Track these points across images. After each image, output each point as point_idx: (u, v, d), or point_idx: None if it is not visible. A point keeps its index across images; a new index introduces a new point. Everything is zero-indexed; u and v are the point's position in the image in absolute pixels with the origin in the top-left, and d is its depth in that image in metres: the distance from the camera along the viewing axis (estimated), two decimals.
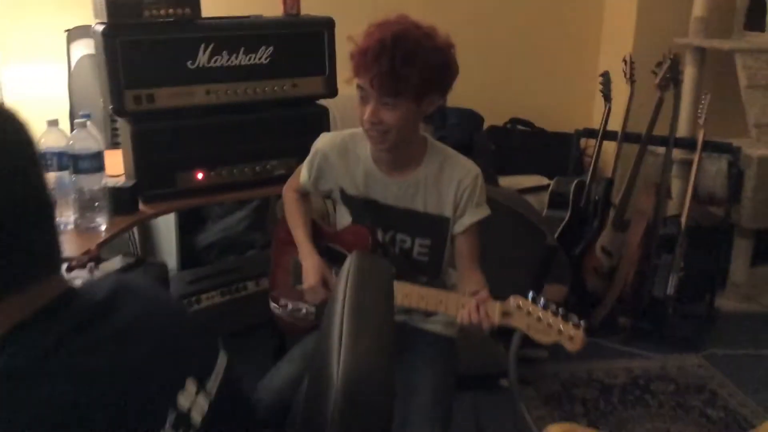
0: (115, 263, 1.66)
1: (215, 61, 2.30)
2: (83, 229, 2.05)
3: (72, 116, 3.36)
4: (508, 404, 2.11)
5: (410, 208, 1.69)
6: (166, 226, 3.49)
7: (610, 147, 3.31)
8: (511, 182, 3.50)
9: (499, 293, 1.99)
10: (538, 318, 1.37)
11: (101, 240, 2.05)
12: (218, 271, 3.01)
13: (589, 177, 3.18)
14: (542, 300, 1.39)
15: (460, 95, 3.77)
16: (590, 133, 3.44)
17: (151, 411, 0.81)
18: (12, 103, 3.16)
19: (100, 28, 2.17)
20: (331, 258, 1.77)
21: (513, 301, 1.42)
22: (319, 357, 1.03)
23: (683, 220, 2.95)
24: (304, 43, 2.42)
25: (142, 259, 1.69)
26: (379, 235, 1.73)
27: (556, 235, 3.04)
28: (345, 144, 1.72)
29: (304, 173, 1.79)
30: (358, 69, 1.53)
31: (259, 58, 2.37)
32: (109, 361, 0.80)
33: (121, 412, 0.78)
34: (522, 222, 1.88)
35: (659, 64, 3.10)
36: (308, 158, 1.79)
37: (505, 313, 1.43)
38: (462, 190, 1.64)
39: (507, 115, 3.83)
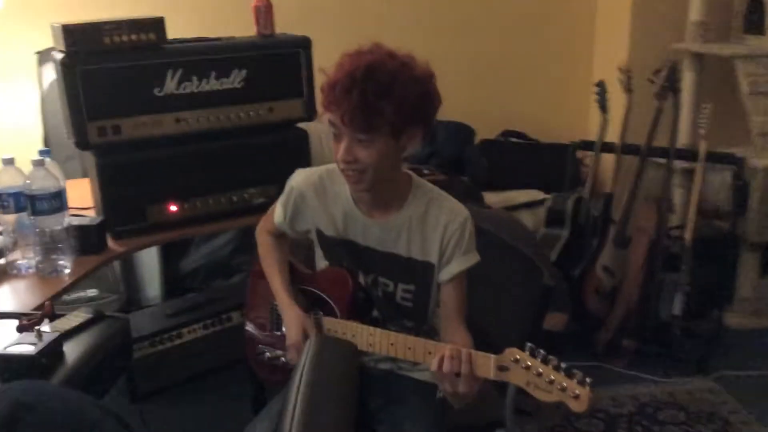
0: (73, 319, 1.51)
1: (184, 88, 2.17)
2: (46, 272, 1.91)
3: (46, 141, 3.23)
4: None
5: (392, 252, 1.55)
6: (149, 255, 3.35)
7: (608, 159, 3.17)
8: (505, 198, 3.35)
9: (491, 337, 1.85)
10: (539, 373, 1.22)
11: (65, 285, 1.92)
12: (201, 302, 2.86)
13: (587, 192, 3.04)
14: (541, 352, 1.24)
15: (449, 108, 3.59)
16: (586, 145, 3.29)
17: None
18: None
19: (59, 56, 2.03)
20: (306, 301, 1.63)
21: (509, 353, 1.27)
22: None
23: (688, 236, 2.80)
24: (280, 65, 2.29)
25: (102, 314, 1.53)
26: (361, 277, 1.59)
27: (555, 255, 2.90)
28: (322, 181, 1.59)
29: (278, 213, 1.66)
30: (328, 104, 1.39)
31: (232, 83, 2.23)
32: None
33: None
34: (517, 257, 1.73)
35: (657, 72, 2.96)
36: (282, 197, 1.65)
37: (501, 368, 1.28)
38: (449, 236, 1.50)
39: (499, 128, 3.68)
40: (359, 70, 1.34)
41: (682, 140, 3.32)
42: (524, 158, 3.58)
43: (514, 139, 3.70)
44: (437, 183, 3.20)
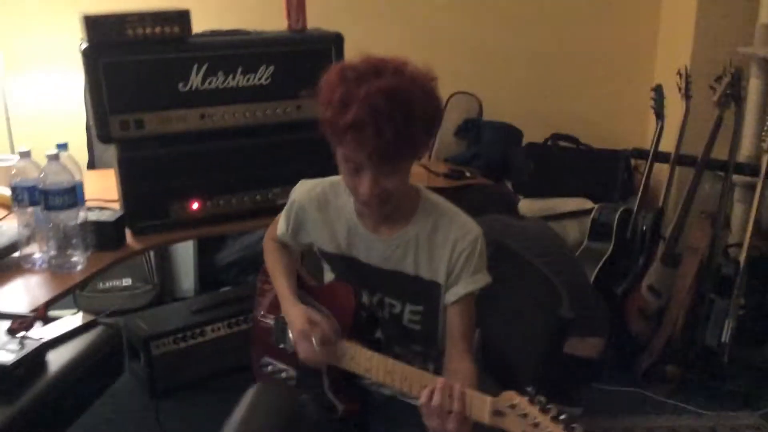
0: (65, 324, 1.46)
1: (210, 83, 2.11)
2: (58, 268, 1.88)
3: (89, 130, 3.24)
4: None
5: (399, 271, 1.44)
6: (184, 246, 3.34)
7: (662, 170, 2.98)
8: (550, 205, 3.19)
9: (505, 363, 1.73)
10: (535, 424, 1.10)
11: (75, 282, 1.88)
12: (228, 299, 2.81)
13: (636, 205, 2.86)
14: (541, 400, 1.12)
15: (497, 108, 3.56)
16: (640, 153, 3.11)
17: None
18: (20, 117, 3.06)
19: (83, 46, 2.00)
20: None
21: (507, 397, 1.15)
22: None
23: (743, 255, 2.60)
24: (309, 61, 2.18)
25: (94, 321, 1.48)
26: (366, 297, 1.49)
27: (595, 271, 2.74)
28: (325, 195, 1.49)
29: (281, 225, 1.58)
30: (352, 146, 1.26)
31: (259, 79, 2.16)
32: None
33: None
34: (538, 279, 1.60)
35: (719, 78, 2.76)
36: (285, 209, 1.57)
37: (497, 412, 1.16)
38: (458, 254, 1.39)
39: (548, 131, 3.50)
40: (380, 101, 1.21)
41: (744, 153, 3.09)
42: (573, 164, 3.40)
43: (564, 143, 3.52)
44: (478, 186, 3.13)
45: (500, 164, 3.36)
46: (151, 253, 3.32)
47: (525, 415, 1.11)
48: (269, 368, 1.64)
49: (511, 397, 1.14)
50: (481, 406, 1.18)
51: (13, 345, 1.28)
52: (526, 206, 3.17)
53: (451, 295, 1.40)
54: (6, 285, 1.81)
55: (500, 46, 3.54)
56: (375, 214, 1.42)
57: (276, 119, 2.21)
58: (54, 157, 1.85)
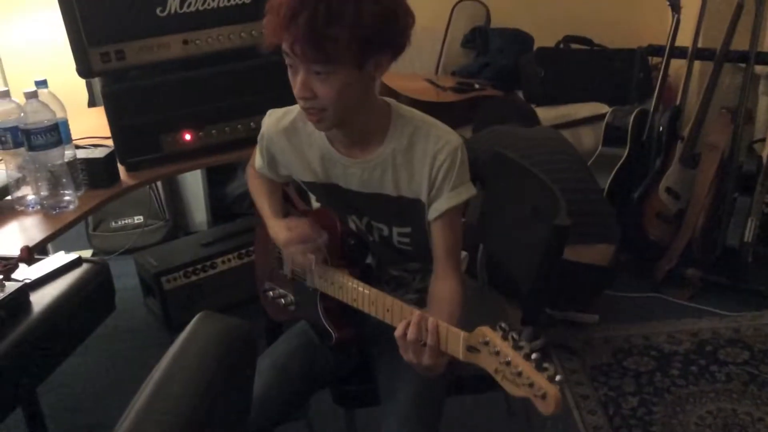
0: (52, 262, 1.43)
1: (189, 6, 2.01)
2: (51, 208, 1.85)
3: None
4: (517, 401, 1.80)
5: (380, 193, 1.37)
6: (193, 180, 3.31)
7: (680, 67, 2.82)
8: (563, 113, 3.06)
9: (506, 274, 1.67)
10: (507, 362, 1.00)
11: (69, 220, 1.85)
12: (237, 231, 2.78)
13: (653, 105, 2.72)
14: (514, 336, 1.03)
15: (504, 14, 3.39)
16: (656, 50, 2.94)
17: None
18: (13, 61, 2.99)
19: None
20: None
21: (479, 333, 1.06)
22: None
23: (766, 151, 2.48)
24: None
25: (80, 259, 1.45)
26: (353, 222, 1.43)
27: (610, 177, 2.64)
28: (293, 124, 1.41)
29: (258, 160, 1.51)
30: (274, 29, 1.18)
31: None
32: None
33: None
34: (537, 186, 1.53)
35: None
36: (258, 143, 1.49)
37: (471, 348, 1.08)
38: (438, 167, 1.30)
39: (560, 34, 3.34)
40: None
41: (767, 43, 2.91)
42: (587, 67, 3.24)
43: (576, 46, 3.35)
44: (489, 98, 3.00)
45: (511, 73, 3.22)
46: (161, 189, 3.30)
47: (498, 353, 1.03)
48: (270, 293, 1.61)
49: (484, 333, 1.05)
50: (456, 342, 1.11)
51: None
52: (539, 115, 3.05)
53: (433, 211, 1.33)
54: (1, 227, 1.79)
55: None
56: (327, 132, 1.34)
57: (262, 40, 2.10)
58: (32, 95, 1.80)
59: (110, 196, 2.00)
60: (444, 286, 1.34)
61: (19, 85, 1.95)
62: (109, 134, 2.25)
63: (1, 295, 1.25)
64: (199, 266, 2.60)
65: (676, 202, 2.61)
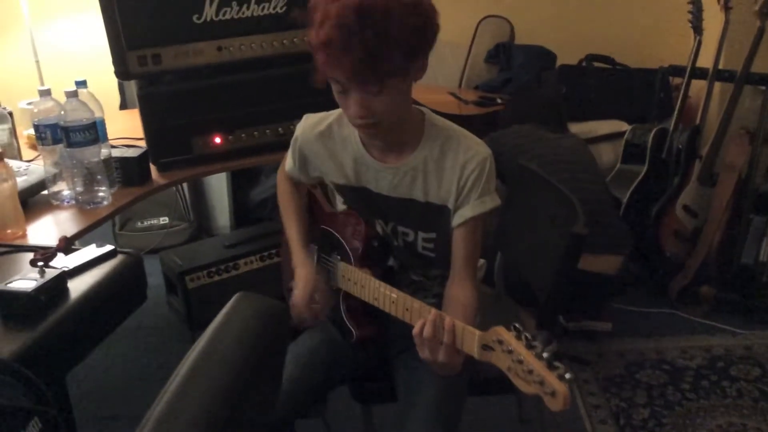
0: (86, 254, 1.50)
1: (224, 14, 2.08)
2: (85, 204, 1.93)
3: None
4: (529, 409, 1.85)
5: (409, 198, 1.43)
6: (218, 183, 3.39)
7: (700, 88, 2.86)
8: (583, 129, 3.11)
9: (519, 285, 1.72)
10: (519, 360, 1.06)
11: (102, 216, 1.92)
12: (260, 234, 2.85)
13: (672, 124, 2.76)
14: (527, 336, 1.08)
15: (528, 31, 3.45)
16: (677, 70, 2.98)
17: None
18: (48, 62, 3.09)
19: None
20: (327, 242, 1.55)
21: (494, 332, 1.12)
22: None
23: None
24: None
25: (114, 250, 1.52)
26: (380, 226, 1.49)
27: (628, 193, 2.68)
28: (329, 128, 1.47)
29: (289, 161, 1.57)
30: (326, 64, 1.24)
31: (274, 7, 2.13)
32: None
33: None
34: (556, 196, 1.57)
35: None
36: (291, 145, 1.56)
37: (486, 347, 1.14)
38: (467, 176, 1.36)
39: (582, 53, 3.39)
40: (349, 18, 1.17)
41: None
42: (608, 85, 3.29)
43: (598, 64, 3.40)
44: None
45: (531, 88, 3.27)
46: (186, 191, 3.38)
47: (510, 351, 1.09)
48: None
49: (498, 332, 1.11)
50: (471, 341, 1.17)
51: (34, 274, 1.33)
52: None
53: (458, 218, 1.39)
54: (37, 221, 1.87)
55: None
56: (373, 140, 1.40)
57: (294, 49, 2.18)
58: (73, 94, 1.87)
59: (142, 194, 2.07)
60: (460, 290, 1.39)
61: (55, 86, 2.03)
62: (140, 135, 2.34)
63: (42, 280, 1.31)
64: (222, 267, 2.66)
65: (693, 220, 2.64)
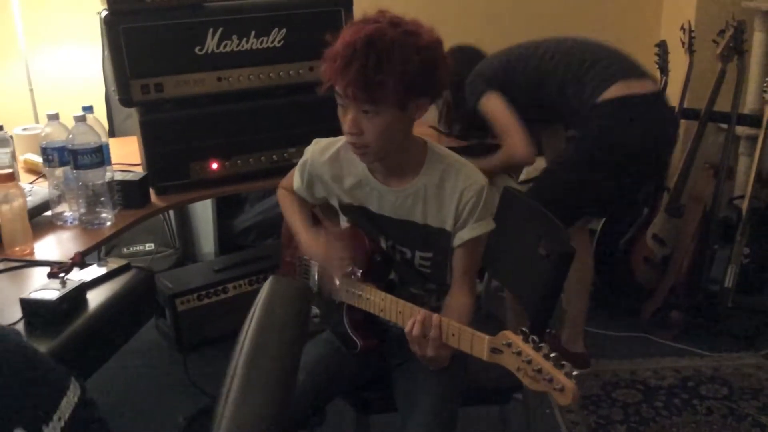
0: (99, 269, 1.58)
1: (225, 47, 2.20)
2: (89, 224, 2.00)
3: (108, 101, 3.34)
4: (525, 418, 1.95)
5: (408, 220, 1.54)
6: (203, 211, 3.45)
7: None
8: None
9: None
10: (528, 360, 1.18)
11: (105, 236, 2.00)
12: (248, 259, 2.93)
13: None
14: (534, 339, 1.20)
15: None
16: None
17: None
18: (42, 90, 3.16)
19: (104, 14, 2.09)
20: None
21: (503, 336, 1.24)
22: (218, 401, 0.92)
23: (745, 204, 2.68)
24: (320, 24, 2.26)
25: (128, 265, 1.60)
26: (382, 242, 1.59)
27: (601, 224, 2.83)
28: (337, 152, 1.59)
29: (296, 180, 1.67)
30: (331, 75, 1.38)
31: (272, 42, 2.25)
32: None
33: None
34: (546, 221, 1.70)
35: (722, 32, 2.82)
36: (299, 166, 1.66)
37: (495, 350, 1.25)
38: (464, 203, 1.48)
39: None
40: (359, 41, 1.32)
41: (748, 106, 3.15)
42: None
43: None
44: (491, 147, 3.17)
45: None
46: (173, 218, 3.44)
47: (519, 353, 1.20)
48: None
49: (507, 336, 1.23)
50: (480, 344, 1.28)
51: (56, 284, 1.40)
52: (538, 162, 3.24)
53: (457, 240, 1.51)
54: (41, 240, 1.93)
55: (509, 9, 3.59)
56: (370, 164, 1.52)
57: (289, 80, 2.30)
58: (81, 119, 1.96)
59: (142, 216, 2.15)
60: (457, 301, 1.51)
61: (42, 113, 2.06)
62: (131, 161, 2.42)
63: (64, 290, 1.38)
64: (211, 290, 2.73)
65: (662, 248, 2.79)
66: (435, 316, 1.34)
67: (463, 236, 1.50)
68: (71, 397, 0.92)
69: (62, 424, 0.89)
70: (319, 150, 1.61)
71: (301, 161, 1.65)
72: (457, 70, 2.24)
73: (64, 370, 0.97)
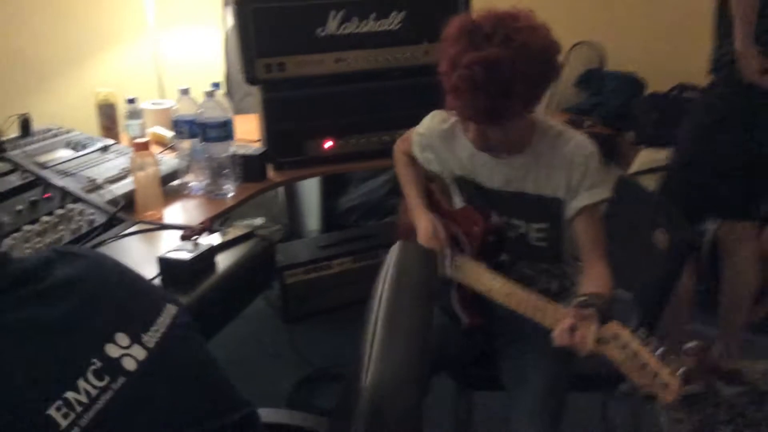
0: (226, 235, 1.67)
1: (345, 28, 2.26)
2: (212, 194, 2.11)
3: (229, 80, 3.49)
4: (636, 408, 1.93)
5: (521, 192, 1.57)
6: (310, 189, 3.57)
7: None
8: (658, 156, 3.16)
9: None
10: (634, 354, 1.18)
11: (227, 206, 2.11)
12: (352, 237, 3.01)
13: None
14: (642, 332, 1.20)
15: (621, 58, 3.54)
16: None
17: (70, 361, 0.87)
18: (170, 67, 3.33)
19: None
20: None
21: (610, 327, 1.25)
22: (355, 361, 0.97)
23: None
24: (438, 7, 2.28)
25: (252, 233, 1.68)
26: (494, 219, 1.62)
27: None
28: (453, 127, 1.64)
29: (415, 148, 1.73)
30: (453, 101, 1.43)
31: (390, 24, 2.30)
32: (27, 317, 0.86)
33: (38, 365, 0.83)
34: (664, 209, 1.67)
35: None
36: (417, 134, 1.71)
37: (601, 340, 1.25)
38: (574, 169, 1.50)
39: (673, 81, 3.46)
40: (477, 71, 1.34)
41: None
42: None
43: (688, 94, 3.46)
44: (598, 136, 3.13)
45: (621, 114, 3.36)
46: (282, 196, 3.57)
47: (625, 346, 1.20)
48: None
49: (613, 327, 1.24)
50: (589, 332, 1.28)
51: (189, 246, 1.50)
52: (647, 156, 3.17)
53: (571, 210, 1.52)
54: (169, 206, 2.06)
55: None
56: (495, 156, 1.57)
57: (405, 63, 2.35)
58: (210, 94, 2.07)
59: (260, 189, 2.25)
60: (593, 271, 1.50)
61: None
62: (249, 138, 2.53)
63: (197, 251, 1.48)
64: (318, 265, 2.83)
65: None
66: (571, 323, 1.30)
67: (576, 205, 1.51)
68: (168, 315, 1.02)
69: (158, 335, 0.98)
70: (436, 123, 1.67)
71: (418, 131, 1.70)
72: None
73: (163, 292, 1.10)
